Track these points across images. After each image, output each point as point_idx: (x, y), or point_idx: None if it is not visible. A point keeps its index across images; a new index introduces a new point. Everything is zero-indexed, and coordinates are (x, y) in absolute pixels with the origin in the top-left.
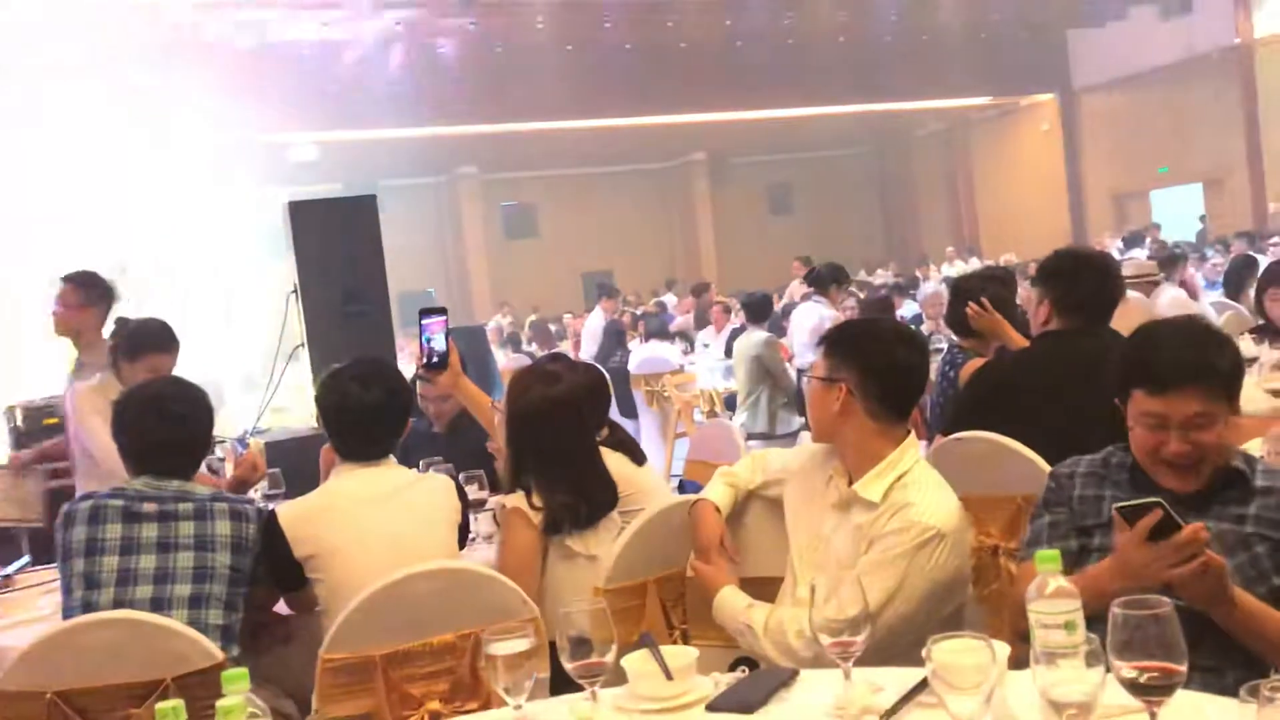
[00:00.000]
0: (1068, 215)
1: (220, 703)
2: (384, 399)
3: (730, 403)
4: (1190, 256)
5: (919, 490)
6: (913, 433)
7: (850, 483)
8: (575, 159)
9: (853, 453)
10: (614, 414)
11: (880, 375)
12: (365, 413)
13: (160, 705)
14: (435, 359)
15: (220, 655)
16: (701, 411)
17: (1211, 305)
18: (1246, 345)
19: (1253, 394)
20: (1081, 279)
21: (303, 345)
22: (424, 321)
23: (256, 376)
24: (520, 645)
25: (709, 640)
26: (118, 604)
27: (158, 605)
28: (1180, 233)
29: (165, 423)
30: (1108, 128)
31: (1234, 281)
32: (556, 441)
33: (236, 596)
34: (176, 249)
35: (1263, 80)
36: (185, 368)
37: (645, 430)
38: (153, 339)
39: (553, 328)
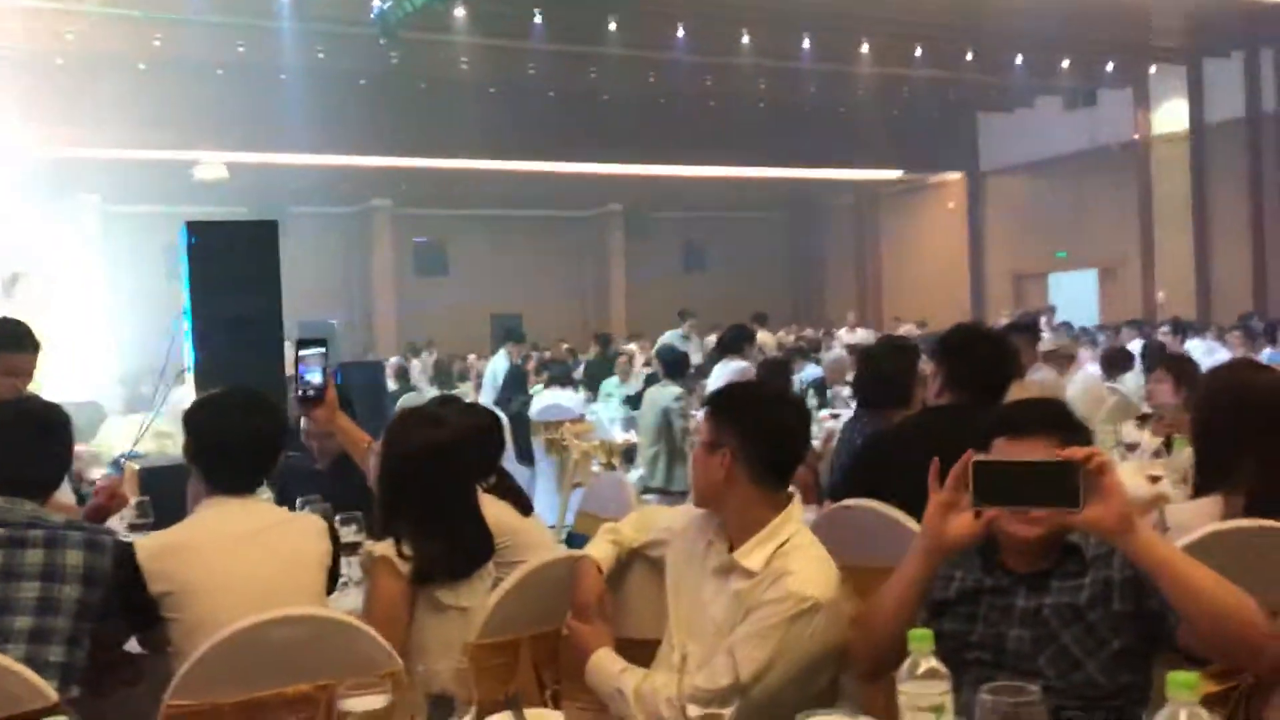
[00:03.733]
0: (968, 291)
1: None
2: (260, 429)
3: (630, 455)
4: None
5: (799, 559)
6: (796, 498)
7: (731, 548)
8: (492, 200)
9: (735, 519)
10: (511, 461)
11: (763, 441)
12: (245, 442)
13: None
14: (311, 392)
15: (54, 697)
16: (600, 463)
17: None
18: (1128, 430)
19: (1134, 481)
20: (974, 354)
21: (188, 369)
22: (301, 353)
23: (143, 400)
24: (377, 702)
25: (581, 702)
26: None
27: None
28: (1074, 316)
29: (20, 442)
30: (1011, 210)
31: (1109, 369)
32: (435, 488)
33: (82, 633)
34: (71, 263)
35: (1157, 175)
36: (69, 386)
37: (542, 478)
38: (6, 337)
39: (456, 367)
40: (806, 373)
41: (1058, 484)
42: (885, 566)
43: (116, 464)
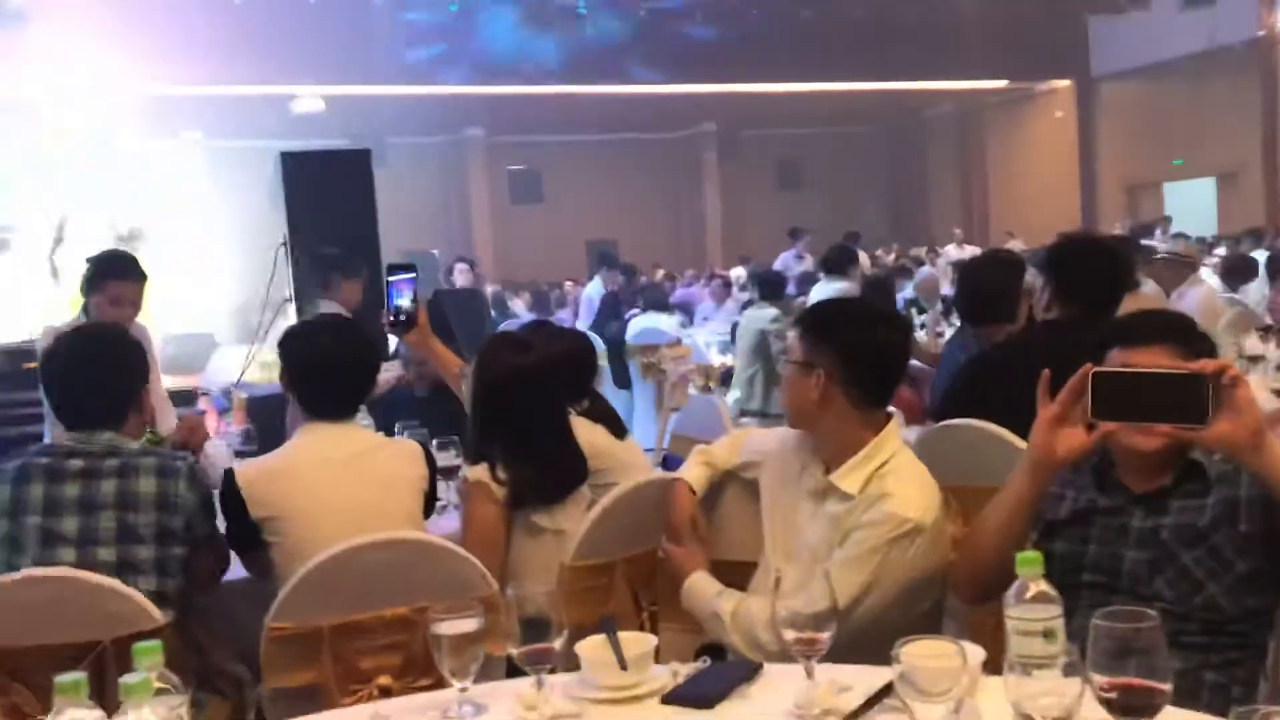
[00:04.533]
0: (1078, 204)
1: (124, 679)
2: (353, 355)
3: (727, 378)
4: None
5: (898, 481)
6: (894, 419)
7: (827, 471)
8: (584, 125)
9: (831, 441)
10: (609, 386)
11: (860, 360)
12: (334, 368)
13: (60, 680)
14: (402, 317)
15: (160, 618)
16: (696, 386)
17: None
18: (1253, 343)
19: (1258, 394)
20: (1085, 266)
21: (291, 299)
22: (390, 279)
23: (252, 330)
24: (467, 625)
25: (678, 624)
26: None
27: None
28: (1192, 226)
29: (87, 370)
30: (1123, 117)
31: (1229, 278)
32: (524, 413)
33: (169, 560)
34: (178, 199)
35: None
36: (183, 318)
37: (639, 403)
38: (113, 266)
39: (554, 295)
40: (907, 291)
41: (1184, 397)
42: (992, 487)
43: (226, 393)
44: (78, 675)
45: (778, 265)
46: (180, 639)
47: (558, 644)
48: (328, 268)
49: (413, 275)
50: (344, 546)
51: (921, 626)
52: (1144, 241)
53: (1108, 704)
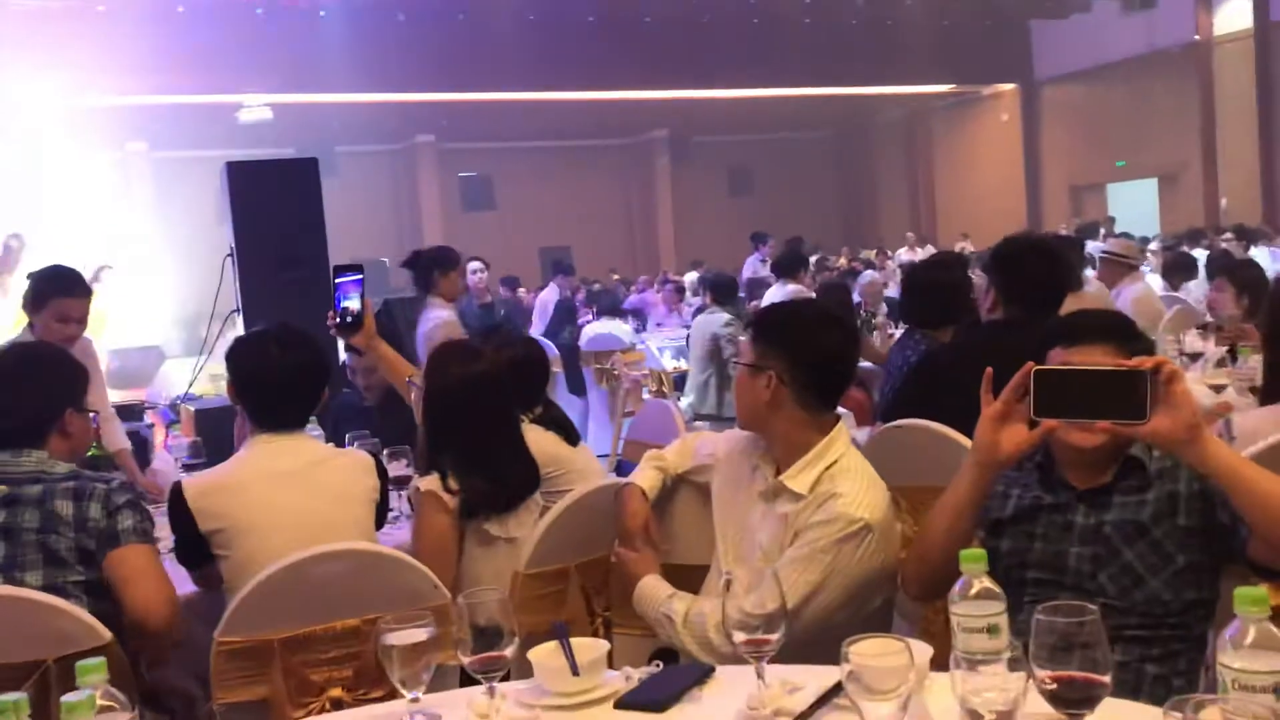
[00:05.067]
0: (1024, 205)
1: (66, 698)
2: (303, 363)
3: (680, 382)
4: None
5: (847, 480)
6: (843, 420)
7: (778, 472)
8: (536, 132)
9: (781, 442)
10: (563, 392)
11: (809, 362)
12: (283, 377)
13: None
14: (349, 319)
15: (108, 636)
16: (650, 391)
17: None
18: (1192, 340)
19: (1197, 390)
20: (1027, 266)
21: (238, 311)
22: (338, 280)
23: (200, 342)
24: (418, 635)
25: (632, 629)
26: None
27: None
28: (1135, 227)
29: (5, 390)
30: (1067, 119)
31: (1170, 275)
32: (474, 422)
33: (98, 583)
34: (125, 210)
35: (1220, 77)
36: (131, 332)
37: (594, 409)
38: (57, 282)
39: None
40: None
41: (1123, 394)
42: (940, 486)
43: (173, 407)
44: (18, 696)
45: (746, 271)
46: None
47: (509, 651)
48: (424, 268)
49: (359, 277)
50: (294, 558)
51: (873, 625)
52: (1089, 242)
53: (1050, 697)
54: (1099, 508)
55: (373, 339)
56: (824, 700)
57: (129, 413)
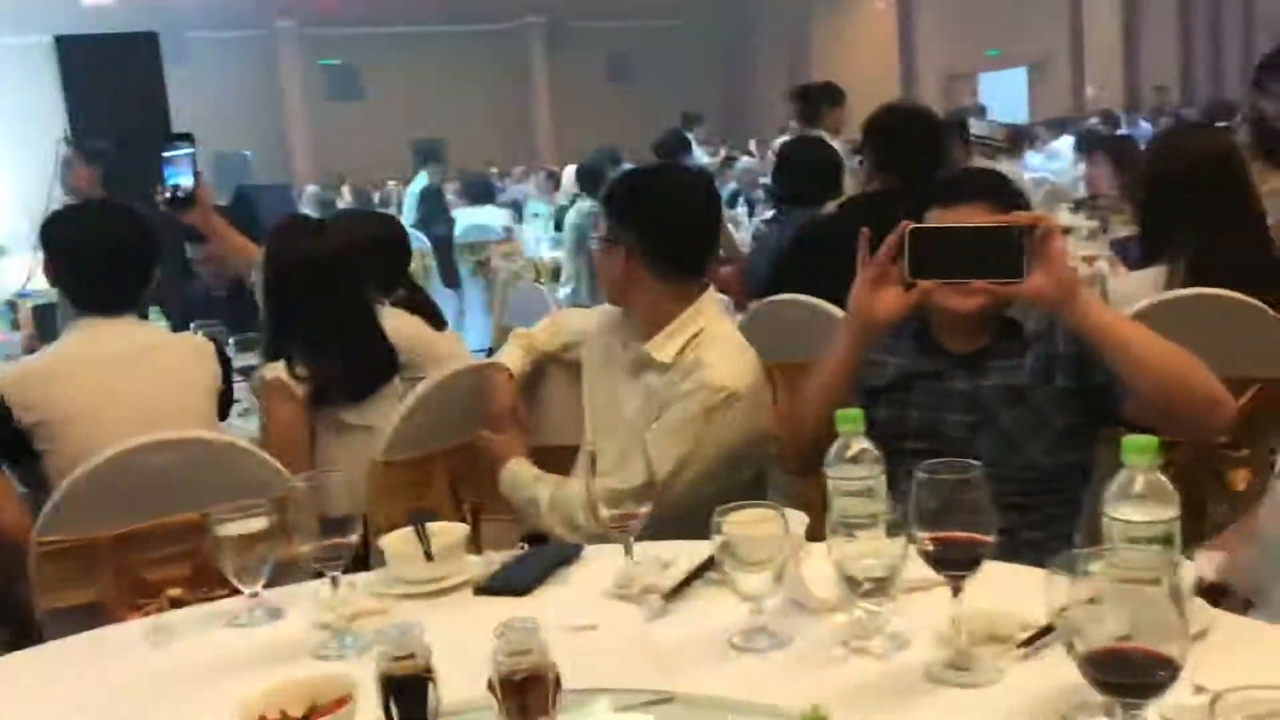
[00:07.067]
0: (899, 95)
1: None
2: (122, 236)
3: (558, 273)
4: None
5: (713, 349)
6: (710, 289)
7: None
8: (404, 16)
9: (643, 315)
10: (437, 285)
11: (660, 231)
12: (99, 253)
13: None
14: (180, 194)
15: None
16: (528, 282)
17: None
18: (1065, 216)
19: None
20: (899, 136)
21: (69, 196)
22: (165, 154)
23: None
24: (254, 525)
25: (502, 516)
26: None
27: None
28: (1005, 115)
29: None
30: (941, 8)
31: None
32: (321, 303)
33: None
34: None
35: None
36: None
37: (470, 302)
38: None
39: (376, 195)
40: (732, 185)
41: (1000, 251)
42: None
43: (9, 303)
44: None
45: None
46: None
47: (353, 539)
48: (813, 102)
49: (190, 151)
50: (120, 448)
51: (744, 495)
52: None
53: (931, 559)
54: (977, 373)
55: (209, 216)
56: (695, 575)
57: None
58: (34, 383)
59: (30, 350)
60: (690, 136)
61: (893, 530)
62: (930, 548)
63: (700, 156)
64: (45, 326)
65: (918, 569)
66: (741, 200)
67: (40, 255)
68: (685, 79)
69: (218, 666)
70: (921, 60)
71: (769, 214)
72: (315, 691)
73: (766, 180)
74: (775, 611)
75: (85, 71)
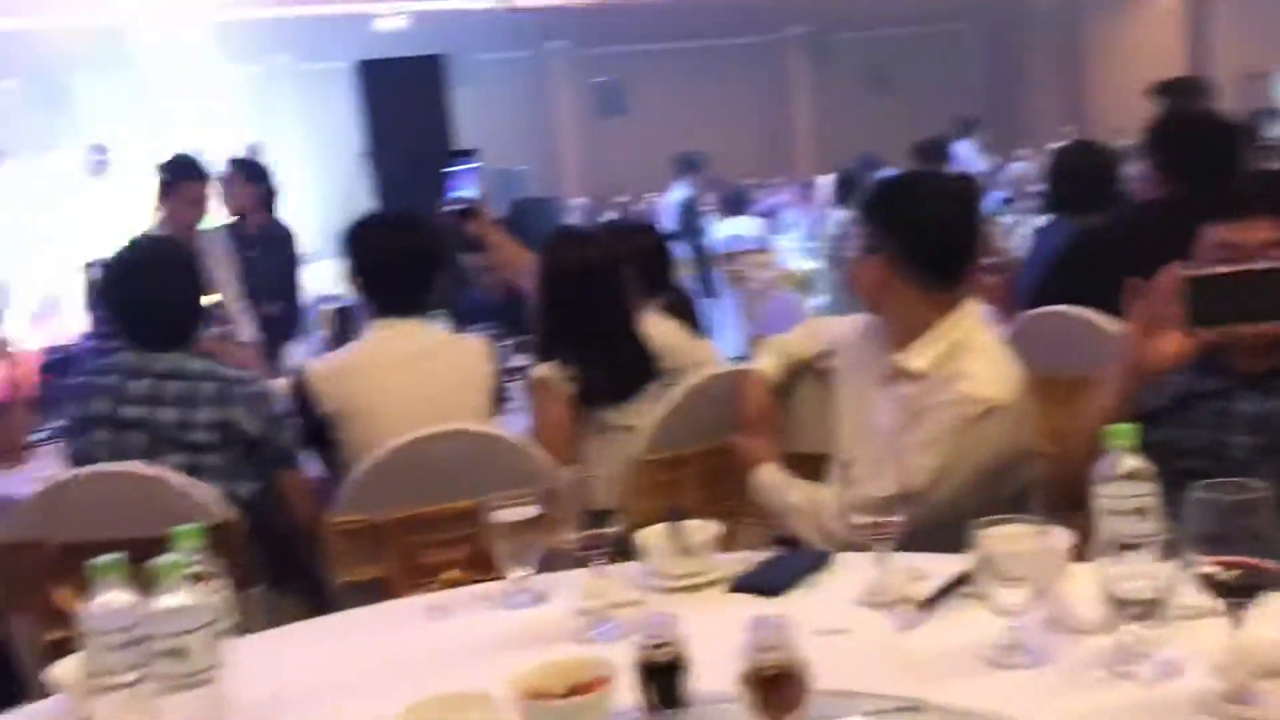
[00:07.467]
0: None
1: (156, 560)
2: (410, 245)
3: (813, 282)
4: None
5: (972, 360)
6: (972, 299)
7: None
8: (668, 34)
9: (899, 323)
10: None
11: (920, 238)
12: (401, 260)
13: (98, 561)
14: (463, 206)
15: (227, 514)
16: (783, 293)
17: None
18: None
19: None
20: (1192, 139)
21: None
22: (450, 169)
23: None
24: (526, 513)
25: (752, 518)
26: None
27: None
28: None
29: (144, 286)
30: (1239, 3)
31: None
32: (589, 308)
33: (239, 465)
34: (273, 121)
35: None
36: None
37: (725, 311)
38: (182, 168)
39: (641, 206)
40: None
41: None
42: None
43: (315, 309)
44: (116, 556)
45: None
46: (257, 540)
47: (613, 531)
48: None
49: (473, 165)
50: (408, 438)
51: (1008, 508)
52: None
53: (1209, 584)
54: (1268, 393)
55: (488, 227)
56: (951, 588)
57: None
58: (336, 376)
59: (328, 350)
60: (967, 141)
61: (1166, 552)
62: (1208, 571)
63: (976, 162)
64: (346, 327)
65: (1190, 596)
66: (1013, 207)
67: (343, 261)
68: (948, 85)
69: (487, 644)
70: (1216, 60)
71: (1041, 221)
72: (577, 672)
73: (1039, 186)
74: (1033, 629)
75: (380, 92)
